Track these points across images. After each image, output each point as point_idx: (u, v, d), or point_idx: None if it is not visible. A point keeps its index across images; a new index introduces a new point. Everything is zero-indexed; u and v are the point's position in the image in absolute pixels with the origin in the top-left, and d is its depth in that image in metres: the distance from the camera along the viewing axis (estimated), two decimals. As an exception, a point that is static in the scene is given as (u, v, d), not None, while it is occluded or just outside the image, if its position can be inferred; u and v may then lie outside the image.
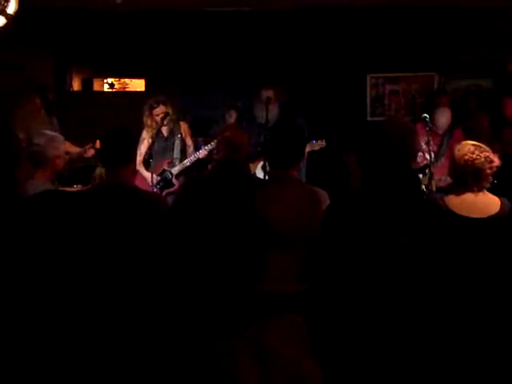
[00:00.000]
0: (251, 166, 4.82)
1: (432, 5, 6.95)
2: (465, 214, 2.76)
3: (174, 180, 5.03)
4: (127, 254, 2.68)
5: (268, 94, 5.13)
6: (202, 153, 5.01)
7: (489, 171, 2.84)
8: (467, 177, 2.84)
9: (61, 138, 3.82)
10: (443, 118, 5.49)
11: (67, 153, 4.41)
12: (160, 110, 4.97)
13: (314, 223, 2.70)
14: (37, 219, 1.65)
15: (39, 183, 3.26)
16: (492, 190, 2.92)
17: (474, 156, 2.83)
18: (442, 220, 2.75)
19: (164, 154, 5.08)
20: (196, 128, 5.87)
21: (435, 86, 7.73)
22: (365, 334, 2.36)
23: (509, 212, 2.79)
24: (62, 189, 4.07)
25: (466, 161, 2.83)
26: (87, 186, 4.17)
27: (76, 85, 7.83)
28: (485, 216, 2.77)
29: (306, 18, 7.26)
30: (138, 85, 7.87)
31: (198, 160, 5.10)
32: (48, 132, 3.86)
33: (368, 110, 7.90)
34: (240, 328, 1.04)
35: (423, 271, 2.45)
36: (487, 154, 2.86)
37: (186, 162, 5.04)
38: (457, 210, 2.78)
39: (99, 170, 4.11)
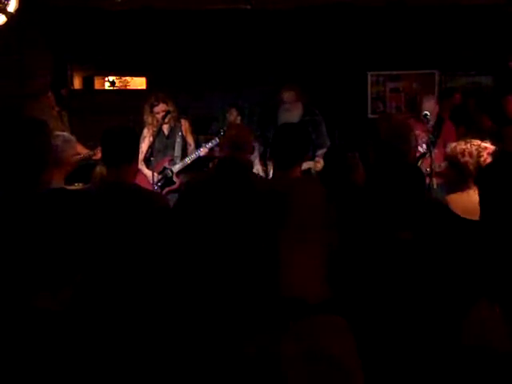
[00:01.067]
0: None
1: (433, 3, 6.95)
2: (468, 216, 2.74)
3: (174, 178, 5.03)
4: (131, 253, 2.68)
5: (284, 95, 5.10)
6: (203, 151, 5.01)
7: (486, 156, 2.85)
8: (465, 168, 2.85)
9: (73, 138, 3.88)
10: (427, 104, 5.26)
11: (77, 154, 4.44)
12: (160, 108, 4.97)
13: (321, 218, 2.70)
14: (42, 217, 1.66)
15: (55, 183, 3.26)
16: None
17: (468, 146, 2.88)
18: (445, 222, 2.73)
19: (165, 152, 5.08)
20: (197, 126, 5.88)
21: (436, 83, 7.73)
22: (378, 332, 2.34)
23: None
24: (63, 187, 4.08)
25: (458, 153, 2.88)
26: (88, 185, 4.18)
27: (77, 83, 7.84)
28: (475, 218, 2.77)
29: (307, 17, 7.25)
30: (139, 83, 7.88)
31: (200, 158, 5.10)
32: (61, 133, 3.90)
33: (369, 107, 7.90)
34: (284, 323, 1.05)
35: (426, 269, 2.44)
36: (478, 142, 2.90)
37: (187, 160, 5.04)
38: (459, 212, 2.75)
39: (99, 169, 4.12)
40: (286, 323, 1.05)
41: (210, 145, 4.99)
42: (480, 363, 2.03)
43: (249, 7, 6.94)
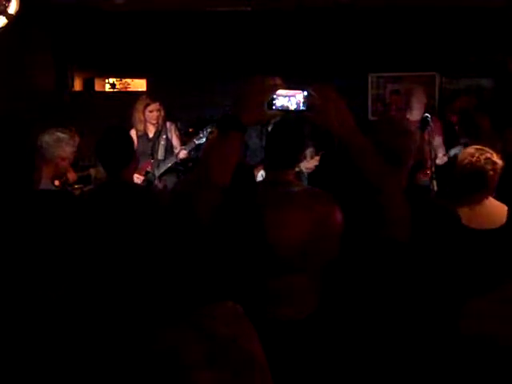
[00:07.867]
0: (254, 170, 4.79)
1: (433, 4, 6.95)
2: (473, 225, 2.69)
3: (156, 181, 4.99)
4: (137, 250, 2.65)
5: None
6: (182, 153, 5.00)
7: (491, 173, 2.76)
8: (470, 181, 2.78)
9: (66, 139, 3.73)
10: (417, 96, 5.17)
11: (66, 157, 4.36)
12: (154, 107, 5.02)
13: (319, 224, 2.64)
14: (42, 218, 1.66)
15: (42, 183, 3.20)
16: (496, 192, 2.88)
17: (474, 159, 2.77)
18: (450, 231, 2.69)
19: (149, 155, 5.06)
20: (197, 128, 5.87)
21: (437, 85, 7.73)
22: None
23: None
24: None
25: (466, 164, 2.79)
26: (89, 186, 4.16)
27: (77, 85, 7.84)
28: (493, 227, 2.72)
29: (307, 18, 7.26)
30: (139, 85, 7.87)
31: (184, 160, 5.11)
32: (58, 132, 3.78)
33: (369, 109, 7.89)
34: (186, 315, 1.03)
35: (429, 279, 2.41)
36: (488, 155, 2.79)
37: (167, 164, 5.03)
38: (465, 222, 2.65)
39: (93, 171, 4.09)
40: (187, 317, 1.02)
41: (188, 147, 5.01)
42: (479, 353, 2.01)
43: (249, 9, 6.95)
